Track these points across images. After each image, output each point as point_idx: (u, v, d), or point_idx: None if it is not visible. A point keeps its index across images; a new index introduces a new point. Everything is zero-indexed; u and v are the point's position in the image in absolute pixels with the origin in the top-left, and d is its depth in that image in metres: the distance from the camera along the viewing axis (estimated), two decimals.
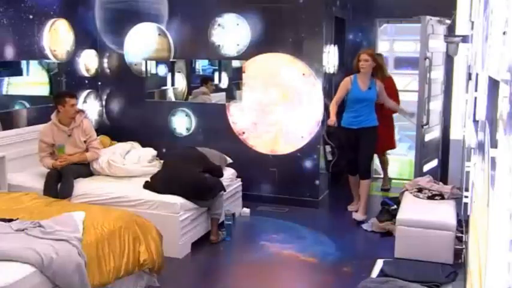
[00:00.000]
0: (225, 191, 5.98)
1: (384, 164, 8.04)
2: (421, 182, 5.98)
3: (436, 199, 5.73)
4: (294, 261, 5.51)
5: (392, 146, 7.87)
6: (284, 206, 6.88)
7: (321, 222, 6.31)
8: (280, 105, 6.96)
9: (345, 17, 8.00)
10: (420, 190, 5.88)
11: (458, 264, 4.95)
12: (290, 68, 6.88)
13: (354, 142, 6.43)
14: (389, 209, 6.11)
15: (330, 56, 7.22)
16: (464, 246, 5.09)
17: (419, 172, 7.27)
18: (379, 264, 4.42)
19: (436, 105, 7.71)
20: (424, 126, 7.16)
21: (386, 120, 7.28)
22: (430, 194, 5.77)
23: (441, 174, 7.55)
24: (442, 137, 7.82)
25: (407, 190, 6.00)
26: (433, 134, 7.70)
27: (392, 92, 7.12)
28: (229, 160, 6.74)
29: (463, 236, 5.26)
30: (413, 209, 5.49)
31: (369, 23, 8.32)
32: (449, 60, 7.32)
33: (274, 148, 6.99)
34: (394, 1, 7.88)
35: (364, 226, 6.27)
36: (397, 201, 6.06)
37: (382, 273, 4.25)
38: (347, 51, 8.12)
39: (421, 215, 5.30)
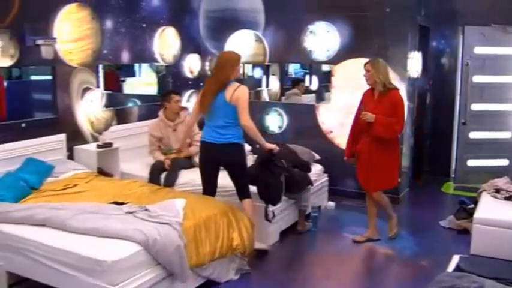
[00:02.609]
0: (312, 185, 6.04)
1: (371, 207, 5.71)
2: (498, 183, 5.81)
3: None
4: (373, 253, 5.51)
5: (391, 183, 5.59)
6: None
7: (401, 218, 6.22)
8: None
9: (429, 25, 7.85)
10: (498, 191, 5.71)
11: None
12: None
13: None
14: (466, 208, 5.99)
15: (414, 62, 7.12)
16: None
17: (461, 167, 7.83)
18: (455, 259, 4.33)
19: (508, 108, 7.74)
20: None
21: (385, 147, 5.43)
22: (507, 195, 5.60)
23: None
24: None
25: (485, 190, 5.85)
26: (503, 134, 7.77)
27: (396, 110, 5.32)
28: (317, 157, 6.80)
29: None
30: (490, 209, 5.36)
31: (452, 31, 8.10)
32: None
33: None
34: (477, 9, 7.61)
35: (442, 223, 6.15)
36: (474, 200, 5.92)
37: (458, 268, 4.16)
38: (430, 57, 8.00)
39: (498, 215, 5.17)
